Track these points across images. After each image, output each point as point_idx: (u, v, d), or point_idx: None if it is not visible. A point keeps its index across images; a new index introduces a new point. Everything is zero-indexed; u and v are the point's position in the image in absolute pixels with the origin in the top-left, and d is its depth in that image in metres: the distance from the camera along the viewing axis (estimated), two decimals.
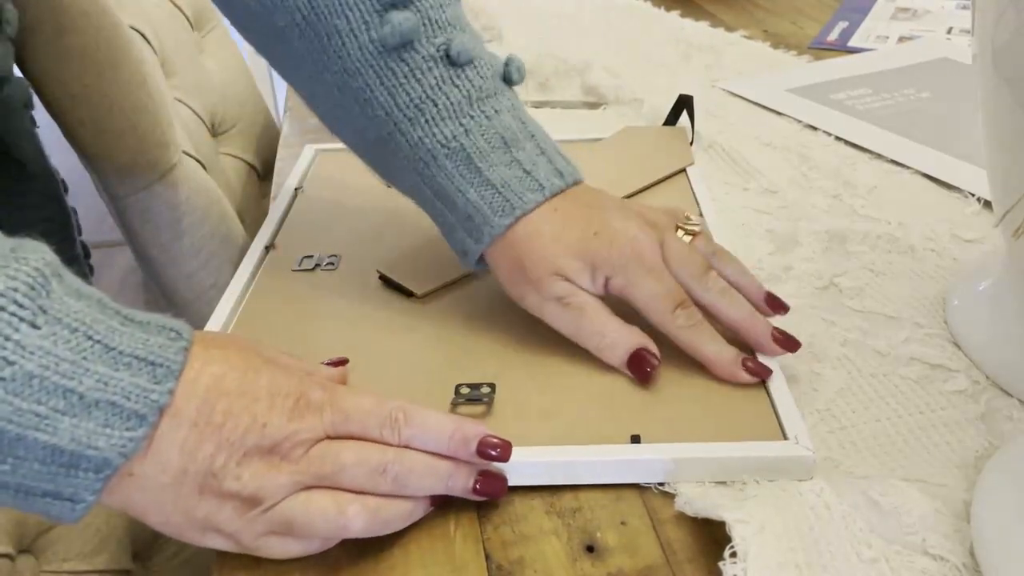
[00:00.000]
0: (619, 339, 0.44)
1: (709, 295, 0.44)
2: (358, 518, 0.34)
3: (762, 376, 0.42)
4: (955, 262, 0.53)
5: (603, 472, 0.39)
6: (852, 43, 0.91)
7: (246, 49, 1.17)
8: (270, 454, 0.34)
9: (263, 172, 1.02)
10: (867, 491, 0.36)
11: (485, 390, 0.42)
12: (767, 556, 0.33)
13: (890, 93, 0.77)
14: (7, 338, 0.29)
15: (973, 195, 0.60)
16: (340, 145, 0.52)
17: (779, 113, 0.74)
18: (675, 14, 0.99)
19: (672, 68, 0.85)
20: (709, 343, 0.43)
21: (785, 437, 0.39)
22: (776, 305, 0.45)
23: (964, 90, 0.77)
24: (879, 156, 0.66)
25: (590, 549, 0.36)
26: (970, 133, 0.68)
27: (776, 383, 0.42)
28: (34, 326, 0.30)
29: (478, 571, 0.35)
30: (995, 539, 0.33)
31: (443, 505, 0.38)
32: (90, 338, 0.31)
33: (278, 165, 0.71)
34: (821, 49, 0.90)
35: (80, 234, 0.79)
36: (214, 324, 0.48)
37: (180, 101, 0.89)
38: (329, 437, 0.35)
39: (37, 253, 0.31)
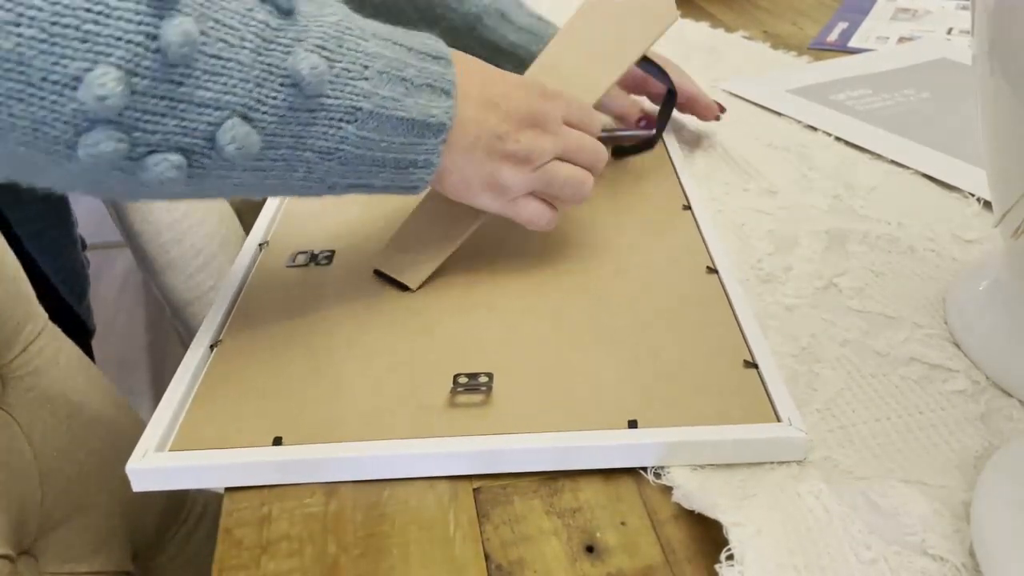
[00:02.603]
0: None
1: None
2: (589, 182, 0.49)
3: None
4: (955, 262, 0.53)
5: (601, 457, 0.39)
6: (852, 44, 0.91)
7: None
8: (537, 126, 0.46)
9: None
10: (866, 492, 0.36)
11: (483, 379, 0.43)
12: (765, 558, 0.33)
13: (890, 93, 0.77)
14: (356, 50, 0.39)
15: (973, 195, 0.60)
16: None
17: (779, 113, 0.74)
18: None
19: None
20: None
21: (778, 419, 0.40)
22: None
23: (964, 90, 0.77)
24: (879, 156, 0.66)
25: (590, 549, 0.36)
26: (970, 133, 0.68)
27: (769, 371, 0.42)
28: (365, 40, 0.40)
29: (478, 571, 0.35)
30: (995, 539, 0.33)
31: (441, 505, 0.38)
32: (396, 43, 0.42)
33: None
34: (821, 50, 0.90)
35: (76, 227, 0.79)
36: (210, 322, 0.48)
37: None
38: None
39: (336, 2, 0.41)
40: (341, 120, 0.39)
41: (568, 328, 0.47)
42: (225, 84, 0.35)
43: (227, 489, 0.40)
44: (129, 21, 0.32)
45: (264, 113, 0.37)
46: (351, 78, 0.39)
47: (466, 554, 0.36)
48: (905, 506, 0.35)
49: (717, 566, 0.33)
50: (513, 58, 0.67)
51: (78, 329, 0.76)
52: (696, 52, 0.88)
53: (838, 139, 0.69)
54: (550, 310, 0.48)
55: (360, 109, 0.39)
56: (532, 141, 0.46)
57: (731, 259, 0.53)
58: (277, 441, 0.40)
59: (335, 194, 0.43)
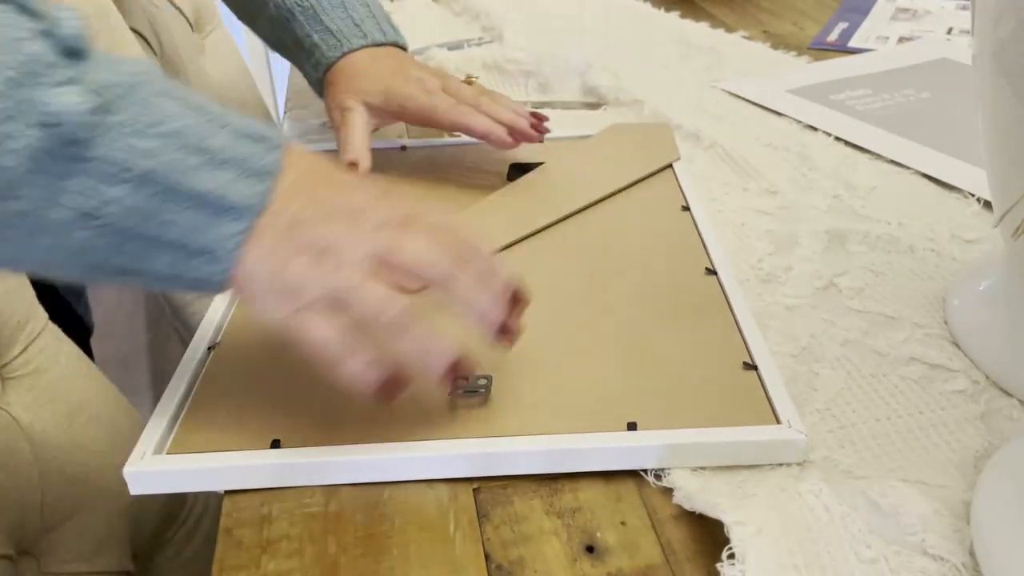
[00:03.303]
0: (350, 141, 0.60)
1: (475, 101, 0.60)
2: (399, 308, 0.35)
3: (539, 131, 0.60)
4: (955, 262, 0.53)
5: (600, 459, 0.39)
6: (852, 43, 0.91)
7: (246, 50, 1.17)
8: (352, 220, 0.36)
9: None
10: (866, 492, 0.36)
11: (482, 382, 0.43)
12: (766, 557, 0.33)
13: (890, 93, 0.77)
14: (150, 104, 0.33)
15: (973, 195, 0.60)
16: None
17: (779, 113, 0.74)
18: (675, 15, 0.99)
19: (672, 69, 0.85)
20: (477, 116, 0.59)
21: (778, 421, 0.40)
22: (538, 117, 0.60)
23: (964, 90, 0.77)
24: (879, 156, 0.66)
25: (590, 549, 0.36)
26: (970, 133, 0.68)
27: (768, 372, 0.43)
28: (168, 97, 0.34)
29: (478, 571, 0.35)
30: (995, 539, 0.33)
31: (441, 505, 0.38)
32: (207, 113, 0.35)
33: None
34: (821, 50, 0.90)
35: None
36: (207, 325, 0.48)
37: None
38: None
39: (145, 60, 0.36)
40: (111, 176, 0.32)
41: (566, 330, 0.46)
42: None
43: (227, 490, 0.40)
44: None
45: (7, 152, 0.30)
46: (132, 132, 0.32)
47: (466, 554, 0.36)
48: (905, 506, 0.35)
49: (719, 565, 0.33)
50: (311, 58, 0.64)
51: (77, 327, 0.76)
52: (696, 52, 0.88)
53: (838, 139, 0.69)
54: (549, 312, 0.48)
55: (135, 167, 0.32)
56: (342, 228, 0.36)
57: (730, 260, 0.53)
58: (275, 444, 0.40)
59: (103, 280, 0.35)
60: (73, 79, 0.31)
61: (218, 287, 0.35)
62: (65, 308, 0.75)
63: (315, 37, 0.63)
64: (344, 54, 0.62)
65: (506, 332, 0.39)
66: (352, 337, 0.35)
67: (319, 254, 0.35)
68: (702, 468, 0.39)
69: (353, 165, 0.58)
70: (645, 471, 0.39)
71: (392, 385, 0.37)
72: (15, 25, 0.31)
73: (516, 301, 0.40)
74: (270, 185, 0.35)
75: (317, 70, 0.63)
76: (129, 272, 0.34)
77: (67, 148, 0.31)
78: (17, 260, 0.34)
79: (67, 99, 0.31)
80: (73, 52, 0.32)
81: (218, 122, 0.35)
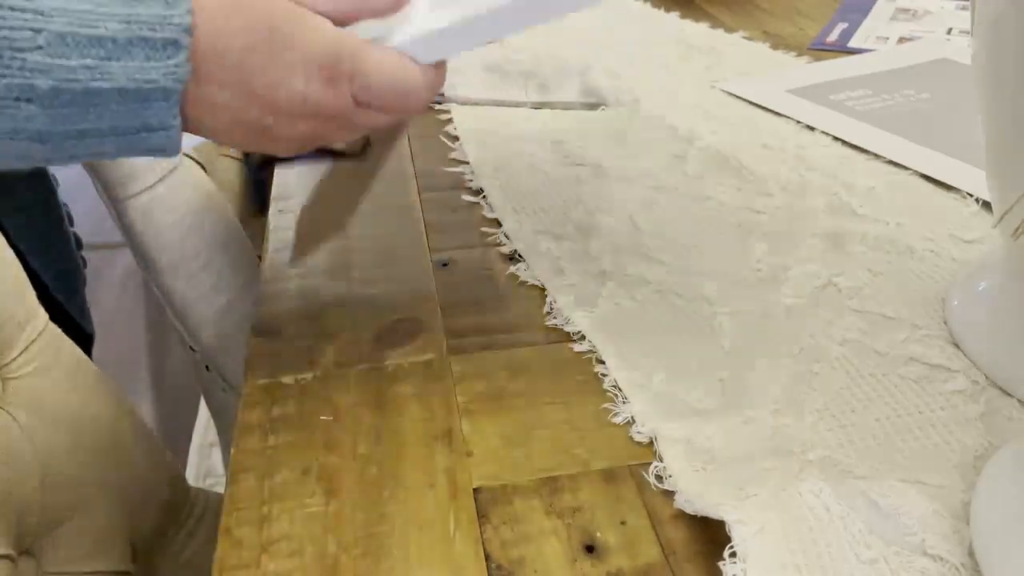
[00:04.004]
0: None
1: None
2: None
3: None
4: (954, 262, 0.53)
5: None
6: (852, 44, 0.91)
7: None
8: (315, 117, 0.37)
9: None
10: (866, 492, 0.36)
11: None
12: (767, 557, 0.33)
13: (890, 94, 0.77)
14: (23, 10, 0.30)
15: (972, 196, 0.60)
16: None
17: (778, 114, 0.74)
18: (675, 15, 0.99)
19: (672, 69, 0.85)
20: None
21: None
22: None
23: (964, 91, 0.77)
24: (878, 156, 0.66)
25: (590, 549, 0.36)
26: (969, 134, 0.68)
27: None
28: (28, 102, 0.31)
29: (478, 571, 0.35)
30: (995, 539, 0.33)
31: (441, 505, 0.38)
32: None
33: (278, 166, 0.71)
34: (821, 50, 0.90)
35: (72, 225, 0.79)
36: None
37: None
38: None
39: None
40: (17, 99, 0.31)
41: None
42: None
43: (227, 489, 0.40)
44: None
45: None
46: (15, 49, 0.30)
47: (466, 554, 0.36)
48: (905, 506, 0.35)
49: (720, 563, 0.33)
50: None
51: (74, 334, 0.76)
52: (696, 52, 0.88)
53: (837, 139, 0.69)
54: None
55: (35, 87, 0.31)
56: (310, 134, 0.38)
57: (730, 260, 0.53)
58: None
59: (63, 163, 0.35)
60: None
61: (174, 147, 0.35)
62: (59, 311, 0.75)
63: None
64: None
65: None
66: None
67: (295, 141, 0.38)
68: (704, 468, 0.39)
69: None
70: (645, 471, 0.39)
71: None
72: None
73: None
74: (186, 47, 0.33)
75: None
76: (87, 155, 0.34)
77: None
78: None
79: None
80: None
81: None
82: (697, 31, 0.95)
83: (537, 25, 0.41)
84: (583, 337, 0.48)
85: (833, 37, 0.93)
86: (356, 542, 0.37)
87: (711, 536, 0.36)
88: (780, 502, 0.35)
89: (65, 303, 0.77)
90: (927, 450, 0.40)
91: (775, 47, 0.90)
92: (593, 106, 0.78)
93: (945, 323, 0.48)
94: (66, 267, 0.77)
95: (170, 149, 0.35)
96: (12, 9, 0.30)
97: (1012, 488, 0.35)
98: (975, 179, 0.61)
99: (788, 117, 0.73)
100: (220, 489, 1.03)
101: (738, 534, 0.34)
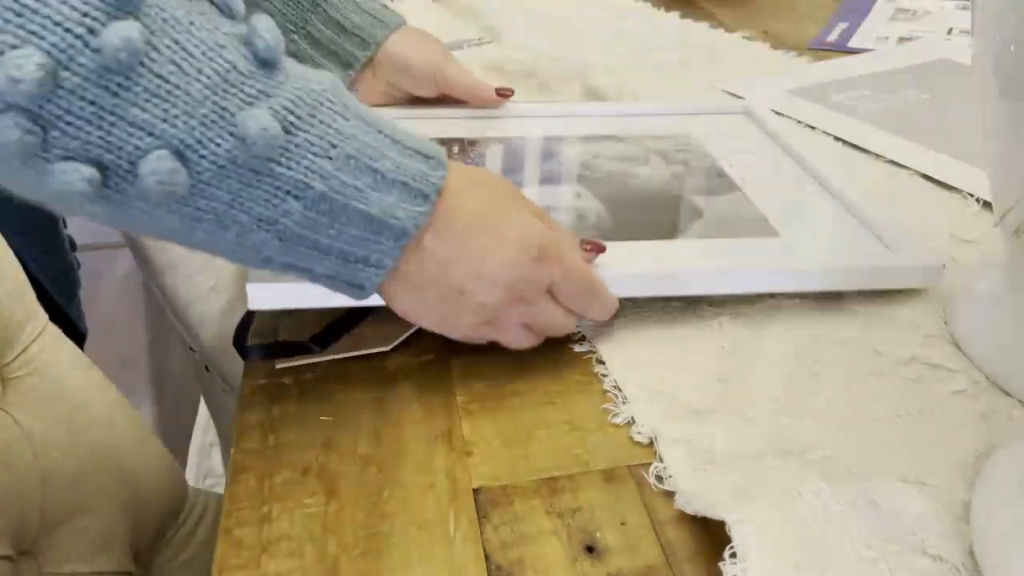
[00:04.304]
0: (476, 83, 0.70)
1: None
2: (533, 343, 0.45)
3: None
4: (953, 263, 0.53)
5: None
6: (852, 44, 0.91)
7: None
8: (513, 296, 0.42)
9: None
10: (866, 492, 0.36)
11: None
12: (767, 557, 0.33)
13: (890, 94, 0.77)
14: (329, 126, 0.36)
15: (972, 196, 0.60)
16: None
17: (779, 114, 0.74)
18: (675, 15, 0.99)
19: (672, 69, 0.85)
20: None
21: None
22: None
23: (964, 90, 0.77)
24: (878, 156, 0.66)
25: (590, 549, 0.36)
26: (969, 134, 0.68)
27: None
28: (344, 118, 0.37)
29: (478, 571, 0.35)
30: (995, 539, 0.33)
31: (441, 505, 0.38)
32: (381, 131, 0.38)
33: None
34: (821, 50, 0.90)
35: (66, 227, 0.79)
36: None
37: None
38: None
39: (328, 74, 0.38)
40: (288, 193, 0.35)
41: None
42: (165, 111, 0.32)
43: (227, 489, 0.40)
44: (74, 8, 0.30)
45: (202, 157, 0.33)
46: (312, 152, 0.35)
47: (466, 554, 0.36)
48: (905, 506, 0.35)
49: (720, 563, 0.33)
50: (355, 40, 0.67)
51: (69, 333, 0.76)
52: (696, 52, 0.88)
53: (837, 139, 0.69)
54: None
55: (311, 187, 0.35)
56: (500, 308, 0.42)
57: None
58: None
59: (270, 269, 0.38)
60: (264, 93, 0.34)
61: (371, 289, 0.40)
62: (56, 311, 0.75)
63: (354, 18, 0.66)
64: (393, 30, 0.67)
65: None
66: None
67: (476, 312, 0.42)
68: (703, 469, 0.39)
69: (504, 91, 0.69)
70: (646, 471, 0.39)
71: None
72: (217, 30, 0.34)
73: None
74: (433, 202, 0.39)
75: (365, 48, 0.67)
76: (295, 268, 0.38)
77: (253, 161, 0.34)
78: (208, 246, 0.37)
79: (258, 121, 0.33)
80: (267, 63, 0.35)
81: (389, 139, 0.38)
82: (697, 31, 0.95)
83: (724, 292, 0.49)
84: (583, 338, 0.48)
85: (833, 37, 0.93)
86: (356, 542, 0.37)
87: (711, 536, 0.36)
88: (780, 502, 0.35)
89: (65, 306, 0.77)
90: (927, 450, 0.40)
91: (775, 47, 0.90)
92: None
93: (945, 323, 0.48)
94: (63, 269, 0.77)
95: (368, 289, 0.39)
96: (322, 123, 0.36)
97: (1012, 488, 0.35)
98: (975, 179, 0.61)
99: (789, 117, 0.73)
100: (220, 489, 1.03)
101: (738, 534, 0.34)
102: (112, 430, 0.60)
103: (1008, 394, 0.43)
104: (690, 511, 0.36)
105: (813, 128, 0.71)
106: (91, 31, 0.30)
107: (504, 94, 0.70)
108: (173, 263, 0.80)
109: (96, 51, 0.30)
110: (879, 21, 0.97)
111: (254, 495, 0.39)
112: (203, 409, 1.45)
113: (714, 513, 0.35)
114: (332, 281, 0.39)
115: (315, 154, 0.36)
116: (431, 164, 0.39)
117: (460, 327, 0.43)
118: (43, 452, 0.55)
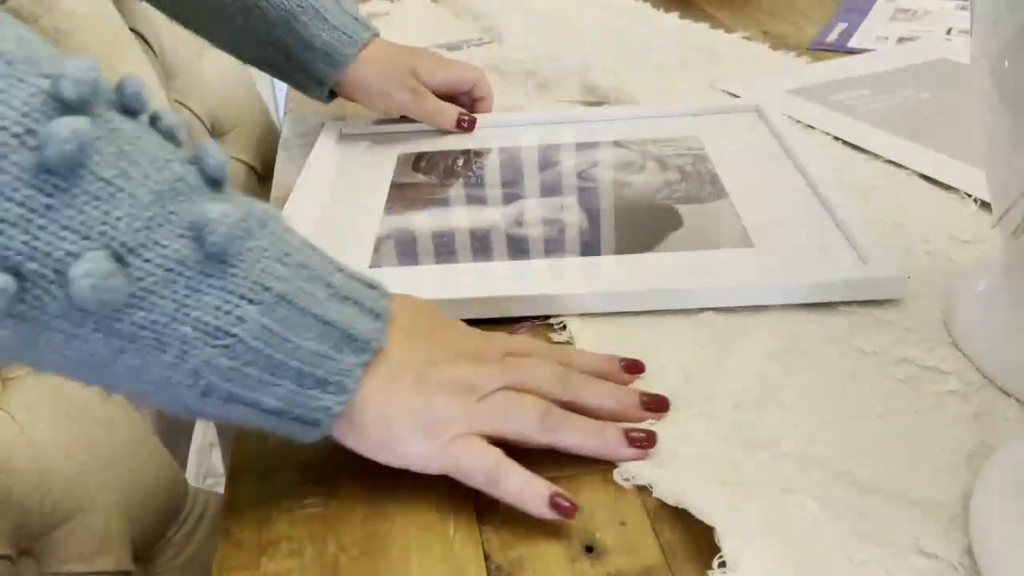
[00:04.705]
0: (444, 109, 0.71)
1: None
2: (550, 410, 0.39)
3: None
4: (952, 263, 0.53)
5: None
6: (851, 44, 0.91)
7: None
8: (476, 359, 0.39)
9: (263, 173, 1.02)
10: (855, 495, 0.36)
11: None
12: (757, 564, 0.33)
13: (889, 94, 0.77)
14: (280, 237, 0.35)
15: (970, 196, 0.60)
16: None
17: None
18: (674, 15, 0.99)
19: (671, 69, 0.85)
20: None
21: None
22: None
23: (963, 90, 0.77)
24: (877, 156, 0.66)
25: (589, 549, 0.36)
26: (969, 134, 0.68)
27: None
28: (291, 233, 0.36)
29: (477, 571, 0.35)
30: (994, 539, 0.33)
31: (441, 505, 0.38)
32: (327, 256, 0.37)
33: (278, 166, 0.71)
34: (820, 50, 0.90)
35: None
36: None
37: (180, 103, 0.89)
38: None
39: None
40: (242, 297, 0.32)
41: None
42: (106, 213, 0.29)
43: (227, 489, 0.40)
44: (12, 107, 0.28)
45: (146, 261, 0.30)
46: (267, 256, 0.33)
47: (466, 554, 0.36)
48: (897, 507, 0.35)
49: (709, 572, 0.33)
50: (326, 57, 0.66)
51: None
52: (696, 52, 0.88)
53: (836, 139, 0.69)
54: None
55: (270, 289, 0.33)
56: (473, 368, 0.39)
57: None
58: None
59: (203, 413, 0.34)
60: (221, 198, 0.33)
61: (328, 421, 0.36)
62: None
63: (325, 36, 0.65)
64: (361, 48, 0.67)
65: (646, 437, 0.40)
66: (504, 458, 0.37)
67: (462, 390, 0.38)
68: (666, 465, 0.39)
69: (463, 122, 0.70)
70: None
71: (559, 496, 0.36)
72: (165, 147, 0.33)
73: (650, 406, 0.41)
74: (385, 325, 0.37)
75: (336, 68, 0.66)
76: (238, 400, 0.34)
77: (209, 260, 0.32)
78: (131, 380, 0.33)
79: (221, 207, 0.32)
80: (215, 183, 0.34)
81: (335, 264, 0.37)
82: (697, 31, 0.95)
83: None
84: (564, 327, 0.48)
85: (833, 37, 0.93)
86: (356, 542, 0.37)
87: (711, 537, 0.36)
88: (769, 510, 0.35)
89: None
90: (922, 449, 0.40)
91: (775, 47, 0.90)
92: (593, 105, 0.78)
93: (943, 324, 0.48)
94: None
95: (323, 421, 0.35)
96: (272, 233, 0.34)
97: (1012, 488, 0.35)
98: (974, 179, 0.61)
99: (788, 117, 0.73)
100: (220, 489, 1.03)
101: (727, 544, 0.34)
102: (112, 430, 0.60)
103: (1007, 394, 0.43)
104: (672, 502, 0.36)
105: (813, 128, 0.71)
106: (29, 131, 0.28)
107: (462, 124, 0.70)
108: None
109: (34, 149, 0.28)
110: (879, 21, 0.97)
111: (254, 495, 0.39)
112: None
113: (705, 517, 0.35)
114: (279, 419, 0.35)
115: (274, 256, 0.34)
116: (377, 291, 0.38)
117: (443, 400, 0.38)
118: (43, 452, 0.55)
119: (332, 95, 0.70)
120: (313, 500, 0.39)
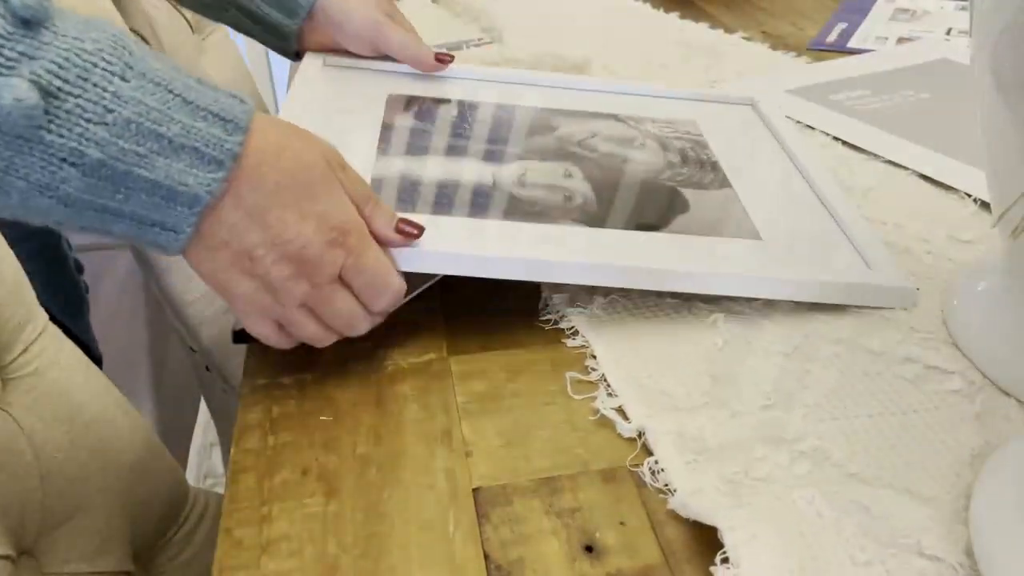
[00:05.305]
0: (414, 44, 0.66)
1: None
2: (326, 340, 0.44)
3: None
4: (951, 263, 0.53)
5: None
6: (851, 44, 0.91)
7: (246, 51, 1.17)
8: (301, 271, 0.40)
9: None
10: (859, 495, 0.36)
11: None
12: (760, 562, 0.33)
13: (889, 94, 0.77)
14: (104, 89, 0.34)
15: (970, 196, 0.60)
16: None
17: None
18: (675, 15, 0.99)
19: (671, 69, 0.85)
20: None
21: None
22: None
23: (963, 91, 0.77)
24: (877, 157, 0.66)
25: (589, 549, 0.36)
26: (968, 134, 0.68)
27: None
28: (124, 79, 0.34)
29: (477, 571, 0.35)
30: (995, 539, 0.33)
31: (441, 505, 0.38)
32: (171, 92, 0.36)
33: None
34: (820, 50, 0.90)
35: (72, 250, 0.79)
36: None
37: None
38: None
39: (112, 27, 0.35)
40: (63, 160, 0.33)
41: None
42: None
43: (227, 489, 0.40)
44: None
45: None
46: (84, 119, 0.33)
47: (466, 554, 0.36)
48: (898, 508, 0.35)
49: (712, 568, 0.33)
50: (270, 28, 0.64)
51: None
52: (696, 52, 0.89)
53: (836, 139, 0.69)
54: None
55: (86, 155, 0.34)
56: (284, 281, 0.40)
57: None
58: None
59: (70, 230, 0.38)
60: (26, 55, 0.32)
61: (176, 249, 0.38)
62: (69, 336, 0.75)
63: (266, 9, 0.63)
64: None
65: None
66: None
67: (261, 288, 0.40)
68: (695, 460, 0.39)
69: (443, 56, 0.66)
70: (639, 470, 0.39)
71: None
72: None
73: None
74: (229, 168, 0.37)
75: (294, 17, 0.64)
76: (92, 230, 0.37)
77: (15, 131, 0.32)
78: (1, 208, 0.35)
79: (12, 91, 0.31)
80: (27, 22, 0.32)
81: (180, 100, 0.36)
82: (697, 31, 0.95)
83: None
84: (576, 332, 0.48)
85: (832, 37, 0.93)
86: (356, 542, 0.37)
87: (710, 536, 0.36)
88: (773, 508, 0.35)
89: (72, 327, 0.76)
90: (923, 449, 0.40)
91: (775, 47, 0.90)
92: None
93: (943, 324, 0.48)
94: (69, 292, 0.77)
95: (171, 250, 0.38)
96: (95, 86, 0.34)
97: (1012, 488, 0.35)
98: (974, 179, 0.61)
99: (788, 117, 0.73)
100: (220, 489, 1.03)
101: (730, 541, 0.34)
102: (112, 430, 0.60)
103: (1007, 394, 0.43)
104: (684, 515, 0.36)
105: (812, 128, 0.71)
106: None
107: (442, 59, 0.66)
108: (173, 264, 0.80)
109: None
110: (879, 21, 0.97)
111: (254, 495, 0.39)
112: (203, 409, 1.45)
113: (708, 519, 0.35)
114: (136, 240, 0.38)
115: (88, 120, 0.34)
116: (228, 128, 0.37)
117: (238, 292, 0.40)
118: (43, 452, 0.55)
119: (298, 56, 0.67)
120: (313, 500, 0.39)
